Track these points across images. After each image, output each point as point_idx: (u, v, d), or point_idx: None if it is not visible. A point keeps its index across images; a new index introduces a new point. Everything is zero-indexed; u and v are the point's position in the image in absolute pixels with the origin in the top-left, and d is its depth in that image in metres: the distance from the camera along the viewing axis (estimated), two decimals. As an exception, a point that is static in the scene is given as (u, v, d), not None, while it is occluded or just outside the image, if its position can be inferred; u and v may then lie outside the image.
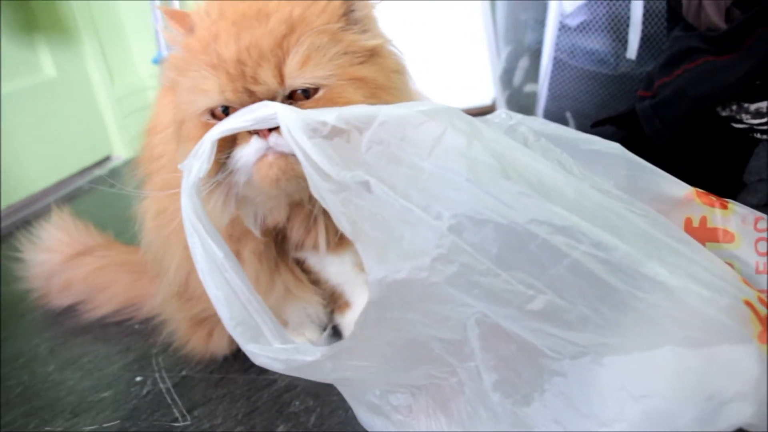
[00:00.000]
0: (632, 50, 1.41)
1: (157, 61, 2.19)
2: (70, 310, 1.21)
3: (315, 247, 0.84)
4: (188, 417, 0.87)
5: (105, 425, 0.88)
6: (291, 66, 0.66)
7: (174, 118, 0.75)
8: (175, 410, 0.89)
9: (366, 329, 0.57)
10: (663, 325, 0.53)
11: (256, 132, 0.66)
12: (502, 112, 0.70)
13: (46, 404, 0.95)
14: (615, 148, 0.71)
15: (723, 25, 1.00)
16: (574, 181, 0.60)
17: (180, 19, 0.73)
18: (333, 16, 0.70)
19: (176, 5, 2.07)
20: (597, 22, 1.43)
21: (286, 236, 0.85)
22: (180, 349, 0.99)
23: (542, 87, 1.57)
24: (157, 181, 0.87)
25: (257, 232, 0.80)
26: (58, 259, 1.21)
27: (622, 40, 1.42)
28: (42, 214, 1.44)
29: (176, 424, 0.85)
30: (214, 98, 0.68)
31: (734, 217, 0.70)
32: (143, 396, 0.93)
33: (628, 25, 1.40)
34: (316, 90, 0.68)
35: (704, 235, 0.70)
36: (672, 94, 1.05)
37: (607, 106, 1.48)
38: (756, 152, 1.01)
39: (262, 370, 0.90)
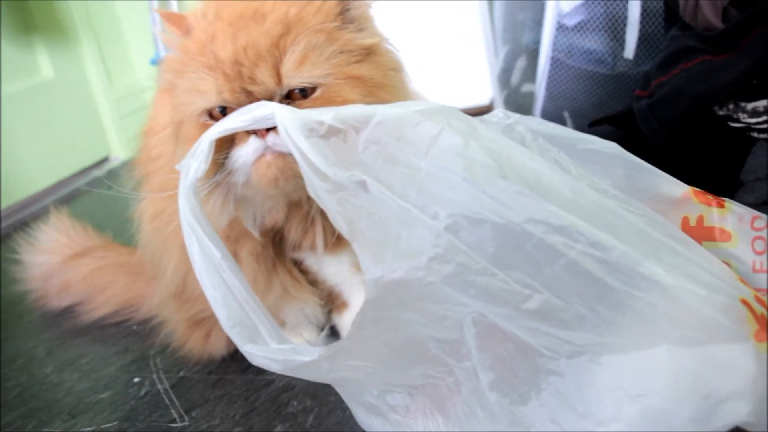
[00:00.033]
0: (630, 50, 1.41)
1: (155, 62, 2.19)
2: (68, 312, 1.21)
3: (312, 247, 0.84)
4: (186, 418, 0.86)
5: (103, 426, 0.88)
6: (288, 65, 0.66)
7: (172, 119, 0.75)
8: (173, 411, 0.88)
9: (363, 329, 0.57)
10: (660, 324, 0.53)
11: (254, 132, 0.66)
12: (499, 112, 0.70)
13: (44, 405, 0.95)
14: (612, 147, 0.71)
15: (720, 25, 1.00)
16: (571, 180, 0.60)
17: (177, 21, 0.73)
18: (329, 15, 0.70)
19: (174, 6, 2.07)
20: (594, 21, 1.44)
21: (284, 237, 0.85)
22: (178, 350, 0.99)
23: (540, 87, 1.57)
24: (154, 182, 0.87)
25: (256, 233, 0.80)
26: (56, 261, 1.21)
27: (620, 40, 1.42)
28: (40, 215, 1.44)
29: (174, 425, 0.85)
30: (212, 99, 0.68)
31: (731, 216, 0.70)
32: (141, 397, 0.93)
33: (625, 25, 1.40)
34: (313, 89, 0.68)
35: (701, 234, 0.70)
36: (669, 94, 1.05)
37: (605, 105, 1.48)
38: (753, 151, 1.01)
39: (260, 371, 0.90)
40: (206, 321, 0.93)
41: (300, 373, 0.63)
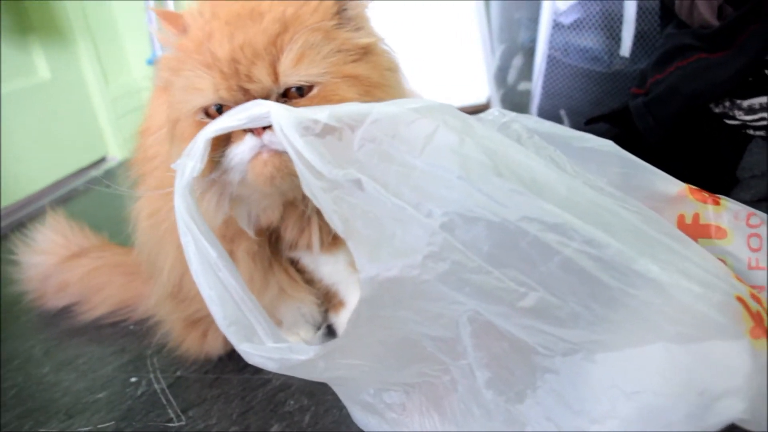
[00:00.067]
0: (626, 48, 1.41)
1: (151, 62, 2.19)
2: (65, 312, 1.21)
3: (309, 246, 0.84)
4: (183, 417, 0.86)
5: (100, 426, 0.88)
6: (285, 64, 0.66)
7: (168, 117, 0.75)
8: (169, 411, 0.88)
9: (358, 328, 0.57)
10: (655, 322, 0.53)
11: (251, 130, 0.66)
12: (495, 110, 0.70)
13: (40, 406, 0.95)
14: (608, 145, 0.71)
15: (715, 23, 1.00)
16: (566, 178, 0.60)
17: (173, 20, 0.73)
18: (326, 14, 0.70)
19: (170, 6, 2.07)
20: (591, 19, 1.44)
21: (280, 236, 0.85)
22: (175, 349, 0.99)
23: (536, 85, 1.57)
24: (150, 181, 0.87)
25: (251, 232, 0.80)
26: (53, 261, 1.21)
27: (616, 38, 1.43)
28: (37, 215, 1.44)
29: (171, 425, 0.85)
30: (209, 97, 0.68)
31: (726, 214, 0.70)
32: (138, 397, 0.93)
33: (621, 23, 1.40)
34: (310, 88, 0.68)
35: (697, 231, 0.70)
36: (665, 92, 1.05)
37: (601, 103, 1.49)
38: (749, 148, 1.01)
39: (257, 370, 0.90)
40: (203, 321, 0.93)
41: (296, 372, 0.63)
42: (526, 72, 1.67)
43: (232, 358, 0.96)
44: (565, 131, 0.71)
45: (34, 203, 1.93)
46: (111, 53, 2.38)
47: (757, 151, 1.00)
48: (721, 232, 0.70)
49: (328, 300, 0.94)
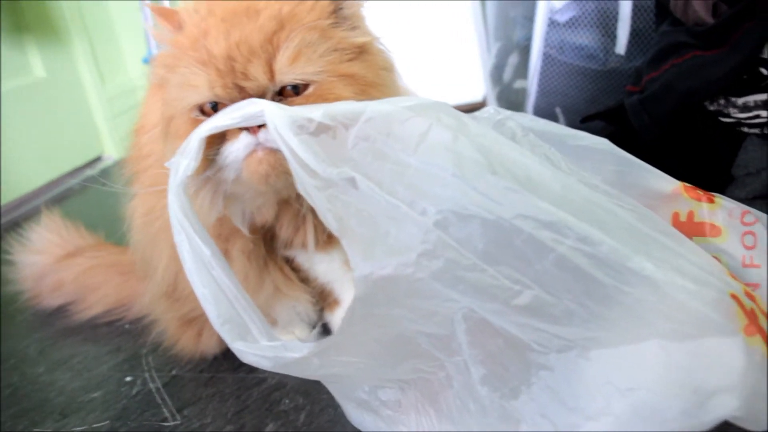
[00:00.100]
0: (621, 45, 1.41)
1: (147, 61, 2.19)
2: (60, 311, 1.20)
3: (304, 245, 0.84)
4: (178, 416, 0.86)
5: (95, 425, 0.87)
6: (281, 62, 0.66)
7: (162, 114, 0.75)
8: (164, 410, 0.88)
9: (353, 325, 0.57)
10: (649, 319, 0.53)
11: (246, 128, 0.65)
12: (490, 108, 0.70)
13: (35, 405, 0.95)
14: (603, 143, 0.71)
15: (710, 20, 1.01)
16: (561, 176, 0.60)
17: (168, 16, 0.73)
18: (323, 12, 0.70)
19: (165, 3, 2.07)
20: (586, 17, 1.44)
21: (275, 234, 0.85)
22: (170, 348, 0.98)
23: (532, 83, 1.57)
24: (145, 180, 0.87)
25: (245, 230, 0.79)
26: (49, 261, 1.21)
27: (611, 36, 1.43)
28: (32, 215, 1.44)
29: (166, 424, 0.85)
30: (204, 94, 0.68)
31: (721, 211, 0.70)
32: (133, 396, 0.93)
33: (616, 21, 1.40)
34: (306, 86, 0.68)
35: (691, 229, 0.70)
36: (660, 89, 1.06)
37: (597, 101, 1.49)
38: (744, 146, 1.01)
39: (252, 369, 0.90)
40: (198, 319, 0.92)
41: (290, 370, 0.62)
42: (522, 70, 1.67)
43: (227, 357, 0.96)
44: (560, 129, 0.71)
45: (29, 202, 1.93)
46: (107, 52, 2.38)
47: (752, 148, 1.00)
48: (716, 230, 0.70)
49: (323, 298, 0.94)
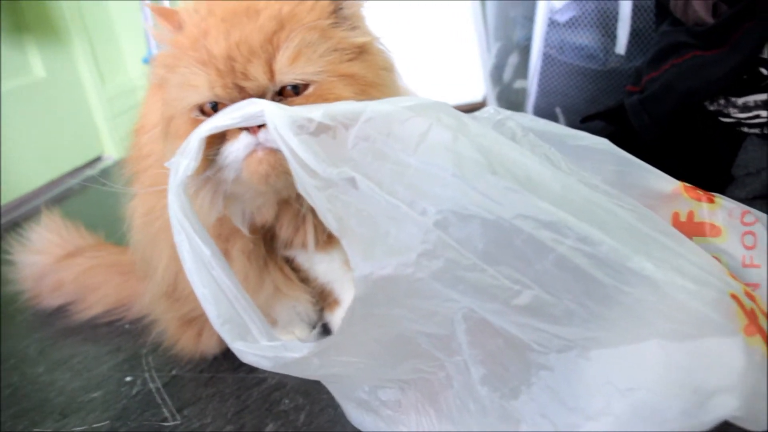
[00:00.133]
0: (621, 45, 1.41)
1: (147, 61, 2.19)
2: (60, 311, 1.20)
3: (304, 245, 0.84)
4: (178, 416, 0.86)
5: (95, 425, 0.87)
6: (281, 62, 0.66)
7: (162, 114, 0.75)
8: (164, 410, 0.88)
9: (353, 325, 0.57)
10: (649, 319, 0.53)
11: (246, 128, 0.65)
12: (490, 108, 0.70)
13: (35, 405, 0.95)
14: (603, 143, 0.71)
15: (710, 20, 1.01)
16: (561, 176, 0.60)
17: (168, 16, 0.73)
18: (323, 12, 0.70)
19: (166, 3, 2.07)
20: (586, 17, 1.44)
21: (275, 235, 0.85)
22: (170, 348, 0.98)
23: (532, 83, 1.57)
24: (145, 179, 0.87)
25: (245, 230, 0.79)
26: (49, 261, 1.21)
27: (611, 36, 1.43)
28: (33, 215, 1.44)
29: (166, 424, 0.85)
30: (204, 94, 0.68)
31: (721, 211, 0.70)
32: (133, 396, 0.93)
33: (616, 21, 1.40)
34: (306, 86, 0.68)
35: (691, 229, 0.70)
36: (660, 89, 1.06)
37: (597, 101, 1.49)
38: (744, 146, 1.01)
39: (252, 369, 0.90)
40: (198, 319, 0.92)
41: (290, 370, 0.62)
42: (522, 70, 1.67)
43: (227, 357, 0.96)
44: (560, 129, 0.71)
45: (29, 202, 1.93)
46: (107, 52, 2.38)
47: (752, 148, 1.00)
48: (716, 230, 0.70)
49: (323, 299, 0.94)
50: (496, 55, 1.82)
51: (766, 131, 0.99)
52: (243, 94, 0.66)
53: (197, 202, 0.71)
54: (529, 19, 1.55)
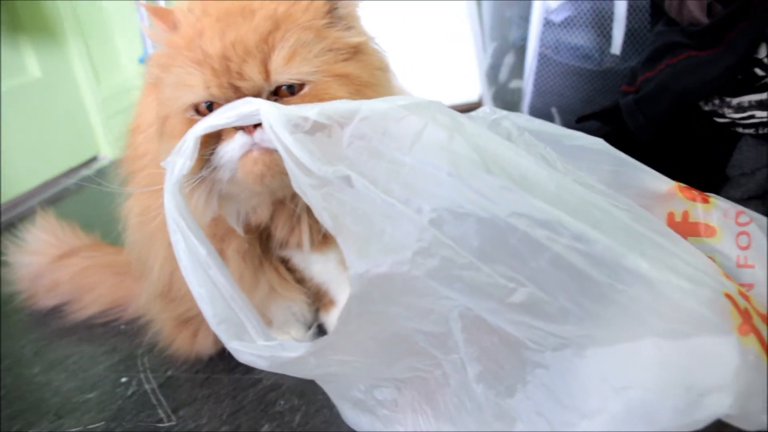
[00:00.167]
0: (616, 46, 1.42)
1: (143, 61, 2.19)
2: (56, 312, 1.20)
3: (299, 245, 0.84)
4: (173, 417, 0.86)
5: (90, 426, 0.87)
6: (277, 61, 0.66)
7: (157, 114, 0.75)
8: (160, 411, 0.88)
9: (349, 324, 0.57)
10: (644, 317, 0.53)
11: (242, 128, 0.66)
12: (485, 108, 0.70)
13: (30, 406, 0.94)
14: (599, 143, 0.71)
15: (705, 20, 1.01)
16: (556, 175, 0.60)
17: (163, 15, 0.73)
18: (318, 13, 0.70)
19: (161, 3, 2.07)
20: (581, 17, 1.44)
21: (271, 235, 0.85)
22: (165, 349, 0.98)
23: (528, 83, 1.58)
24: (140, 179, 0.87)
25: (240, 230, 0.79)
26: (44, 261, 1.21)
27: (607, 36, 1.43)
28: (28, 215, 1.43)
29: (161, 425, 0.85)
30: (199, 94, 0.68)
31: (716, 212, 0.70)
32: (128, 397, 0.93)
33: (612, 21, 1.41)
34: (301, 86, 0.68)
35: (686, 229, 0.71)
36: (655, 89, 1.06)
37: (593, 101, 1.49)
38: (739, 146, 1.02)
39: (248, 370, 0.90)
40: (193, 320, 0.92)
41: (287, 370, 0.62)
42: (518, 70, 1.67)
43: (222, 357, 0.96)
44: (555, 129, 0.71)
45: (25, 203, 1.92)
46: (102, 52, 2.37)
47: (747, 149, 1.01)
48: (710, 230, 0.70)
49: (319, 299, 0.94)
50: (492, 55, 1.82)
51: (760, 131, 1.00)
52: (238, 94, 0.66)
53: (192, 202, 0.71)
54: (525, 19, 1.56)
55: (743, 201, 0.97)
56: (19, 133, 1.93)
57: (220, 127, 0.63)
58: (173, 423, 0.85)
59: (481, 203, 0.53)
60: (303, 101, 0.66)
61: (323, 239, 0.84)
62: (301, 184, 0.55)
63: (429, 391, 0.63)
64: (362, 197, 0.54)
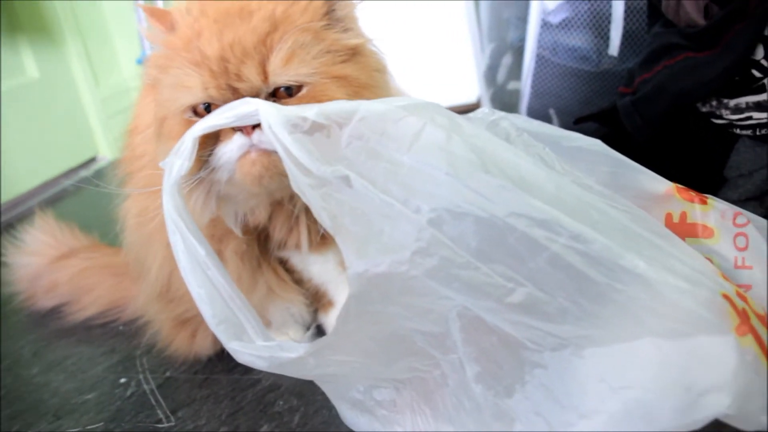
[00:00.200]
0: (614, 47, 1.42)
1: (141, 62, 2.19)
2: (54, 313, 1.20)
3: (298, 246, 0.84)
4: (172, 418, 0.86)
5: (89, 427, 0.87)
6: (275, 63, 0.66)
7: (155, 115, 0.75)
8: (159, 411, 0.88)
9: (347, 324, 0.57)
10: (642, 317, 0.53)
11: (240, 129, 0.66)
12: (484, 109, 0.70)
13: (29, 407, 0.94)
14: (597, 145, 0.71)
15: (702, 22, 1.01)
16: (554, 175, 0.60)
17: (161, 17, 0.73)
18: (316, 14, 0.70)
19: (159, 4, 2.07)
20: (579, 19, 1.44)
21: (269, 235, 0.85)
22: (164, 350, 0.98)
23: (525, 84, 1.58)
24: (138, 180, 0.87)
25: (238, 231, 0.79)
26: (43, 262, 1.21)
27: (604, 37, 1.43)
28: (26, 216, 1.43)
29: (160, 426, 0.85)
30: (197, 95, 0.68)
31: (713, 213, 0.70)
32: (127, 397, 0.93)
33: (609, 22, 1.41)
34: (299, 88, 0.68)
35: (684, 230, 0.71)
36: (652, 91, 1.06)
37: (591, 102, 1.49)
38: (736, 148, 1.02)
39: (246, 370, 0.90)
40: (192, 320, 0.92)
41: (286, 370, 0.62)
42: (516, 71, 1.68)
43: (221, 358, 0.96)
44: (553, 130, 0.71)
45: (24, 204, 1.93)
46: (101, 53, 2.38)
47: (744, 150, 1.01)
48: (708, 231, 0.70)
49: (317, 300, 0.94)
50: (489, 56, 1.82)
51: (758, 133, 1.00)
52: (236, 95, 0.66)
53: (190, 203, 0.71)
54: (523, 20, 1.56)
55: (741, 202, 0.97)
56: (18, 134, 1.93)
57: (218, 128, 0.63)
58: (172, 424, 0.85)
59: (479, 203, 0.53)
60: (301, 103, 0.66)
61: (322, 240, 0.84)
62: (300, 184, 0.55)
63: (427, 392, 0.63)
64: (361, 197, 0.54)
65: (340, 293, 0.92)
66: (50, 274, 1.19)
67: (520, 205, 0.54)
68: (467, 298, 0.54)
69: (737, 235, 0.70)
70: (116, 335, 1.11)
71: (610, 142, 0.71)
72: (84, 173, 2.19)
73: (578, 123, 1.21)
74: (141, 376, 0.97)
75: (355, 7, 0.74)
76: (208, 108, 0.68)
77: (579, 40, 1.46)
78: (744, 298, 0.58)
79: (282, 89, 0.68)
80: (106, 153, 2.31)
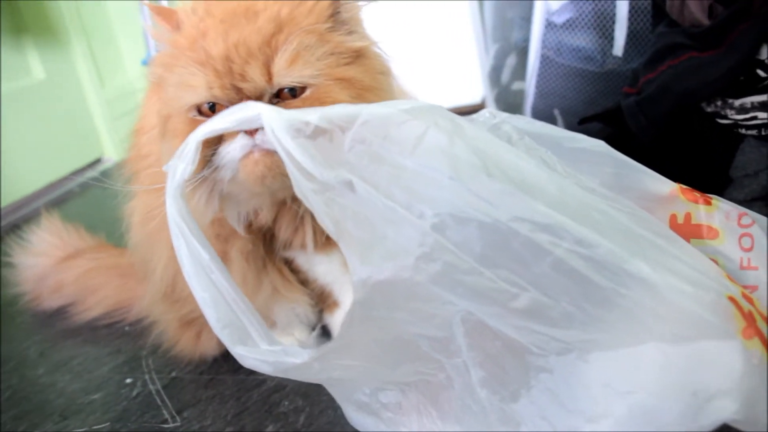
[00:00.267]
0: (618, 47, 1.41)
1: (146, 63, 2.19)
2: (60, 313, 1.21)
3: (303, 246, 0.84)
4: (178, 418, 0.86)
5: (95, 427, 0.88)
6: (279, 64, 0.66)
7: (159, 113, 0.75)
8: (164, 412, 0.88)
9: (352, 329, 0.57)
10: (647, 322, 0.53)
11: (243, 129, 0.66)
12: (486, 111, 0.70)
13: (35, 407, 0.95)
14: (600, 146, 0.71)
15: (706, 22, 1.01)
16: (557, 178, 0.60)
17: (167, 15, 0.73)
18: (321, 16, 0.70)
19: (164, 3, 2.07)
20: (583, 19, 1.44)
21: (274, 235, 0.85)
22: (169, 350, 0.99)
23: (530, 84, 1.57)
24: (144, 180, 0.87)
25: (241, 231, 0.80)
26: (49, 263, 1.22)
27: (609, 37, 1.43)
28: (32, 217, 1.44)
29: (166, 426, 0.85)
30: (202, 94, 0.68)
31: (718, 214, 0.70)
32: (133, 398, 0.93)
33: (614, 22, 1.40)
34: (303, 89, 0.68)
35: (689, 231, 0.70)
36: (656, 91, 1.06)
37: (595, 103, 1.49)
38: (741, 148, 1.02)
39: (252, 371, 0.89)
40: (197, 321, 0.93)
41: (291, 375, 0.62)
42: (520, 71, 1.67)
43: (226, 358, 0.96)
44: (556, 131, 0.71)
45: (29, 204, 1.93)
46: (106, 54, 2.38)
47: (750, 150, 1.00)
48: (713, 232, 0.70)
49: (323, 300, 0.94)
50: (494, 56, 1.82)
51: (763, 133, 1.00)
52: (240, 95, 0.67)
53: (193, 202, 0.71)
54: (527, 21, 1.55)
55: (746, 203, 0.97)
56: (23, 135, 1.94)
57: (221, 132, 0.63)
58: (178, 424, 0.85)
59: (482, 207, 0.53)
60: (305, 104, 0.66)
61: (327, 240, 0.84)
62: (303, 188, 0.55)
63: (433, 394, 0.63)
64: (364, 202, 0.54)
65: (345, 293, 0.92)
66: (56, 274, 1.20)
67: (524, 209, 0.53)
68: (471, 303, 0.54)
69: (742, 235, 0.69)
70: (122, 336, 1.12)
71: (614, 142, 0.71)
72: (90, 174, 2.19)
73: (582, 123, 1.21)
74: (147, 377, 0.98)
75: (360, 9, 0.74)
76: (213, 107, 0.68)
77: (583, 40, 1.46)
78: (750, 300, 0.58)
79: (286, 90, 0.68)
80: (111, 154, 2.31)
